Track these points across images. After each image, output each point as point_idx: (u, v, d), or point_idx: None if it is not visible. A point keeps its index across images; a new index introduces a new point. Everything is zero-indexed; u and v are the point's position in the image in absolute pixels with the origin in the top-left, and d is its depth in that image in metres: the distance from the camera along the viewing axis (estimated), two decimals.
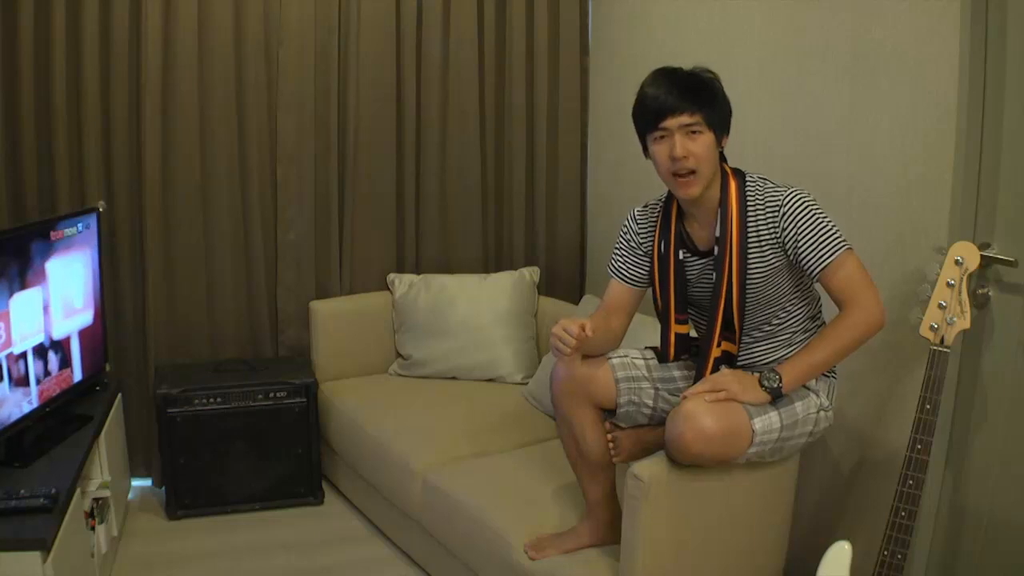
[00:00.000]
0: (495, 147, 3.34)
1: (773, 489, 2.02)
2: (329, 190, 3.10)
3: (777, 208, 1.80)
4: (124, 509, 2.75)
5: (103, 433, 2.44)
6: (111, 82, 2.72)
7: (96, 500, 2.36)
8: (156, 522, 2.79)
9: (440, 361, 3.03)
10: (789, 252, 1.81)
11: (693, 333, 2.05)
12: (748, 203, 1.83)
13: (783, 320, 1.90)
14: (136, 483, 3.01)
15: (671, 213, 1.94)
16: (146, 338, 2.90)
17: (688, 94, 1.77)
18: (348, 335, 3.09)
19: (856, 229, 2.20)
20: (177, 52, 2.77)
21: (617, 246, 2.07)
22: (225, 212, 2.94)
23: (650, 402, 1.98)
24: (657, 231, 1.97)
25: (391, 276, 3.20)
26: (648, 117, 1.81)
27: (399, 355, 3.14)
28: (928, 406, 1.75)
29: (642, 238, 2.02)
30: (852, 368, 2.23)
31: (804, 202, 1.79)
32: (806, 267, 1.80)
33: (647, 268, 2.02)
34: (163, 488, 2.85)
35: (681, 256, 1.93)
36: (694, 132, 1.78)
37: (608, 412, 2.00)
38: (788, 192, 1.81)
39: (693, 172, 1.79)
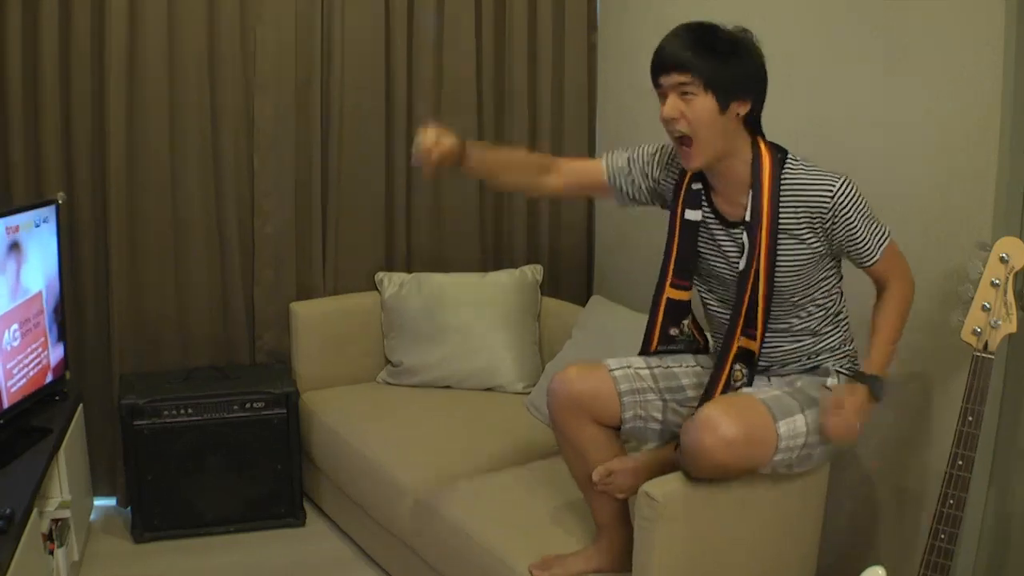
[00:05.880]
0: (494, 132, 3.34)
1: (800, 507, 2.03)
2: (311, 179, 3.10)
3: (828, 198, 1.81)
4: (86, 531, 2.75)
5: (63, 448, 2.44)
6: (71, 58, 2.72)
7: (55, 521, 2.37)
8: (121, 545, 2.80)
9: (433, 368, 3.04)
10: (835, 243, 1.87)
11: (702, 329, 2.08)
12: (783, 186, 1.83)
13: (812, 314, 1.93)
14: (99, 502, 3.02)
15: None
16: (110, 343, 2.90)
17: (690, 51, 1.76)
18: (332, 340, 3.09)
19: (892, 223, 2.18)
20: (144, 26, 2.76)
21: (633, 152, 2.07)
22: (197, 203, 2.95)
23: (658, 415, 1.98)
24: (676, 183, 1.98)
25: (379, 275, 3.21)
26: (651, 71, 1.83)
27: (388, 362, 3.15)
28: (970, 418, 1.76)
29: (665, 175, 2.02)
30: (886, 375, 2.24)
31: (855, 194, 1.83)
32: (854, 258, 1.90)
33: (641, 196, 2.06)
34: (129, 508, 2.86)
35: (688, 216, 1.94)
36: (686, 94, 1.77)
37: (615, 429, 1.99)
38: (840, 181, 1.82)
39: (688, 138, 1.80)
